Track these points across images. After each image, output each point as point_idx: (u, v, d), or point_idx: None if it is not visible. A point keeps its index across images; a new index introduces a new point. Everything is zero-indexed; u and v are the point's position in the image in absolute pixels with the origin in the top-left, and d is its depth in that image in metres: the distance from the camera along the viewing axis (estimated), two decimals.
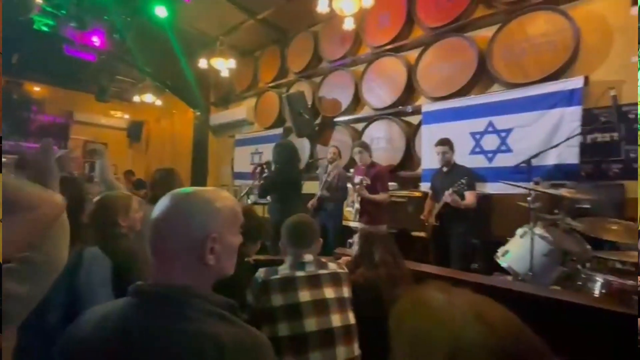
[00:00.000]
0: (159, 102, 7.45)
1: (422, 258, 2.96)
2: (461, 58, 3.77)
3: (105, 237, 1.29)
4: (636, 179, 2.86)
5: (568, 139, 2.74)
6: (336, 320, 1.27)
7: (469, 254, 2.84)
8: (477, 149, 3.57)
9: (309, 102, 4.83)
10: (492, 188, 3.39)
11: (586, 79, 2.99)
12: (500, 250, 2.46)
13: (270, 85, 5.91)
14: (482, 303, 0.46)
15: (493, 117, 3.46)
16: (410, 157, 4.14)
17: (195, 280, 0.64)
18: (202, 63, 5.50)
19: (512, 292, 1.70)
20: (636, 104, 2.91)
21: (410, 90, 4.22)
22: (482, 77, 3.71)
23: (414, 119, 4.18)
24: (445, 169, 3.08)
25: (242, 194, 3.77)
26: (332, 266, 1.42)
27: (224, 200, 0.69)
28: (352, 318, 1.35)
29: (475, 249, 2.85)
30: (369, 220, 3.13)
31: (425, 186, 3.67)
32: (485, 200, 3.36)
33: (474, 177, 2.96)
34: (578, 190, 2.59)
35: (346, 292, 1.39)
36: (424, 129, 3.90)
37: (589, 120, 2.95)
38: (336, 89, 4.84)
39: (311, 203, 3.52)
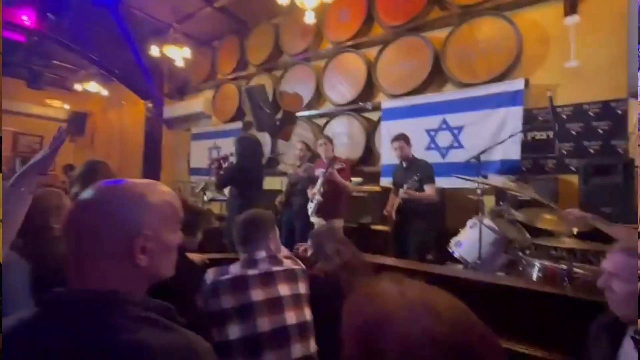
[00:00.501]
0: (105, 92, 6.86)
1: (384, 251, 3.04)
2: (418, 57, 3.92)
3: (33, 240, 1.16)
4: (569, 172, 3.20)
5: (511, 136, 2.97)
6: (291, 317, 1.26)
7: (425, 246, 2.96)
8: (432, 145, 3.75)
9: (270, 96, 4.74)
10: (445, 182, 3.56)
11: (527, 81, 3.26)
12: (453, 241, 2.60)
13: (229, 77, 5.72)
14: (432, 293, 0.46)
15: (447, 114, 3.66)
16: (370, 153, 4.22)
17: (124, 284, 0.58)
18: (154, 51, 5.14)
19: (460, 279, 1.82)
20: (568, 106, 3.24)
21: (370, 87, 4.30)
22: (437, 76, 3.90)
23: (374, 116, 4.28)
24: (404, 164, 3.14)
25: (198, 189, 3.59)
26: (287, 262, 1.39)
27: (159, 194, 0.63)
28: (308, 314, 1.34)
29: (431, 240, 2.99)
30: (325, 215, 3.14)
31: (385, 181, 3.78)
32: (439, 194, 3.52)
33: (432, 170, 3.08)
34: (519, 183, 2.83)
35: (302, 288, 1.38)
36: (383, 125, 4.01)
37: (529, 120, 3.23)
38: (297, 83, 4.81)
39: (279, 200, 3.45)
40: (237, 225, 1.40)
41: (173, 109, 6.42)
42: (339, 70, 4.50)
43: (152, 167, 6.28)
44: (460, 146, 3.59)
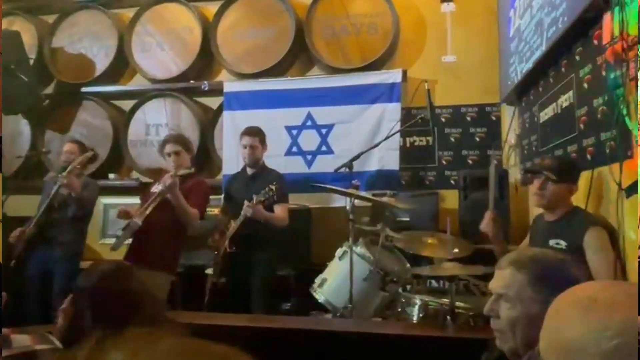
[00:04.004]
0: None
1: (218, 301, 2.91)
2: (275, 25, 4.05)
3: None
4: (449, 188, 3.79)
5: (387, 137, 3.31)
6: None
7: (278, 290, 2.97)
8: (295, 149, 3.88)
9: (32, 54, 4.27)
10: (311, 200, 3.72)
11: (405, 73, 3.77)
12: (317, 280, 2.65)
13: None
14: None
15: (313, 107, 3.86)
16: (207, 157, 4.10)
17: None
18: None
19: (323, 334, 1.83)
20: (447, 107, 3.88)
21: (207, 59, 4.22)
22: (301, 55, 4.11)
23: (213, 102, 4.20)
24: (249, 171, 3.13)
25: None
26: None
27: None
28: None
29: (289, 281, 2.98)
30: (139, 262, 2.71)
31: None
32: (303, 216, 3.63)
33: (286, 186, 3.14)
34: (398, 199, 3.14)
35: None
36: (226, 116, 3.95)
37: (407, 121, 3.69)
38: (86, 40, 4.46)
39: (13, 235, 2.97)
40: None
41: None
42: (159, 27, 4.28)
43: None
44: (329, 151, 3.82)
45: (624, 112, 1.75)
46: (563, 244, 1.98)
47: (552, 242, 2.02)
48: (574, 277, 1.07)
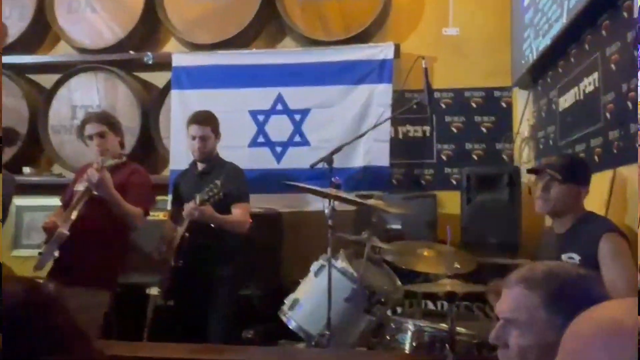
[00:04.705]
0: None
1: (164, 329, 2.94)
2: None
3: None
4: (448, 189, 3.84)
5: (375, 126, 3.33)
6: None
7: (239, 314, 2.95)
8: (261, 139, 3.87)
9: None
10: (281, 202, 3.72)
11: (397, 47, 3.80)
12: (288, 301, 2.63)
13: None
14: None
15: (284, 88, 3.86)
16: (150, 147, 4.08)
17: None
18: None
19: None
20: (448, 90, 3.93)
21: (152, 25, 4.20)
22: (271, 23, 4.09)
23: (158, 78, 4.17)
24: (200, 167, 3.12)
25: None
26: None
27: None
28: None
29: (252, 304, 2.97)
30: (70, 280, 2.66)
31: None
32: (271, 223, 3.63)
33: (246, 181, 3.14)
34: (388, 202, 3.16)
35: None
36: (174, 97, 3.91)
37: (400, 106, 3.71)
38: None
39: None
40: None
41: None
42: None
43: None
44: (305, 142, 3.82)
45: None
46: (577, 257, 2.02)
47: (564, 257, 2.06)
48: (597, 295, 1.07)
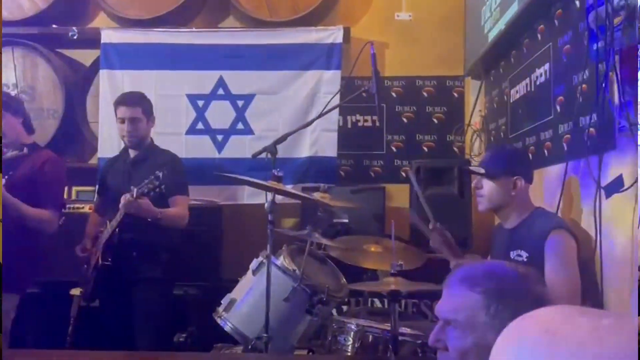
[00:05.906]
0: None
1: (87, 333, 2.87)
2: None
3: None
4: (397, 182, 3.84)
5: (322, 114, 3.26)
6: None
7: (172, 316, 2.90)
8: (200, 126, 3.80)
9: None
10: (222, 194, 3.67)
11: (347, 31, 3.76)
12: (224, 301, 2.57)
13: None
14: None
15: (226, 71, 3.79)
16: (75, 133, 3.98)
17: None
18: None
19: None
20: (398, 79, 3.91)
21: None
22: (212, 0, 4.01)
23: (86, 57, 4.06)
24: (132, 154, 3.03)
25: None
26: None
27: None
28: None
29: (187, 304, 2.89)
30: None
31: None
32: (210, 216, 3.57)
33: (184, 171, 3.07)
34: (334, 196, 3.10)
35: None
36: (103, 77, 3.78)
37: (350, 94, 3.67)
38: None
39: None
40: None
41: None
42: None
43: None
44: (248, 130, 3.76)
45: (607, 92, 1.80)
46: (524, 255, 2.04)
47: (513, 255, 2.09)
48: (538, 296, 1.08)
